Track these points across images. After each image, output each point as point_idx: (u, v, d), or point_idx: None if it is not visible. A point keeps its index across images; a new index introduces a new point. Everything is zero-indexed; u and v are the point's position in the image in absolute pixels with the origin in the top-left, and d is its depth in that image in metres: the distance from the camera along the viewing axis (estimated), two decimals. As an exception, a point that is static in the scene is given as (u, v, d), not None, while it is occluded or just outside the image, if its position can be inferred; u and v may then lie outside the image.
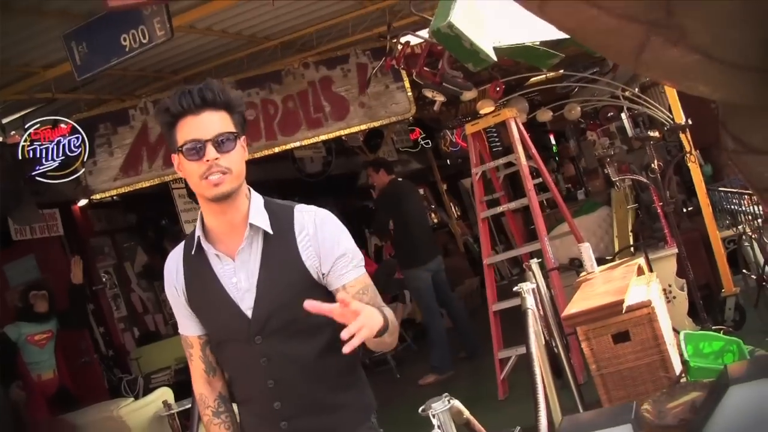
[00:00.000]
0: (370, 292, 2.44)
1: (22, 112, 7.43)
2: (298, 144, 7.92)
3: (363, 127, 8.03)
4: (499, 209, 7.33)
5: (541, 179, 7.33)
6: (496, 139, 13.69)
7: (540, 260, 5.48)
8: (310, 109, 7.78)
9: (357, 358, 2.55)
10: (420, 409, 2.99)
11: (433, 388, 8.07)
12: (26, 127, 7.23)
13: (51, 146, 7.14)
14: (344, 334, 2.09)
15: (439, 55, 6.38)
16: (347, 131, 7.99)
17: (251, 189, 2.44)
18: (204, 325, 2.47)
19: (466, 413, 3.18)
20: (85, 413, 6.16)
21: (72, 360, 8.50)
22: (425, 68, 6.57)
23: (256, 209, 2.38)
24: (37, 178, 7.12)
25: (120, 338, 10.07)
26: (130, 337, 10.33)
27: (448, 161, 15.94)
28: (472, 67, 5.31)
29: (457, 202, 17.24)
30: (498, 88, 6.51)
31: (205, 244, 2.38)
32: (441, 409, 3.00)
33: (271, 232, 2.36)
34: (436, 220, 16.65)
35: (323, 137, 8.02)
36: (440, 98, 6.88)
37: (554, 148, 18.57)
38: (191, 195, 8.57)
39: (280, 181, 12.76)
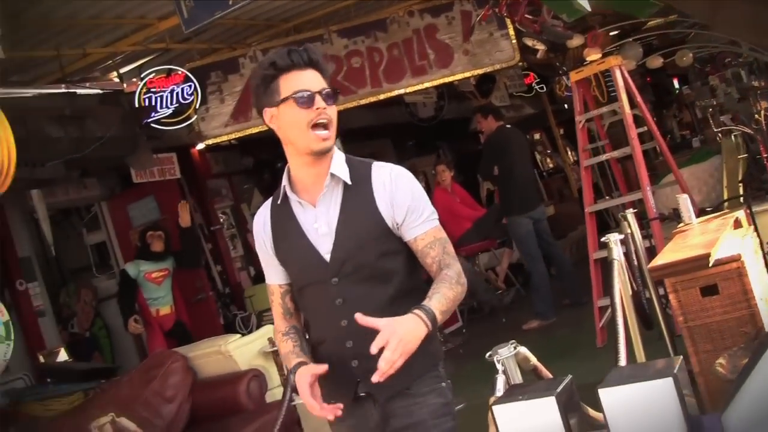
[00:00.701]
0: (437, 246, 2.61)
1: (139, 62, 7.76)
2: (402, 91, 8.03)
3: (467, 74, 8.06)
4: (602, 158, 7.30)
5: (646, 127, 7.26)
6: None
7: (636, 210, 5.46)
8: (415, 57, 7.87)
9: None
10: (486, 354, 3.11)
11: (536, 333, 8.18)
12: (142, 76, 7.59)
13: (165, 94, 7.49)
14: (381, 365, 2.29)
15: (540, 3, 6.36)
16: (451, 78, 8.04)
17: (335, 147, 2.62)
18: (288, 271, 2.70)
19: (533, 360, 3.27)
20: (196, 347, 6.52)
21: (189, 297, 8.96)
22: (527, 16, 6.56)
23: (338, 162, 2.59)
24: (152, 125, 7.50)
25: (236, 276, 10.50)
26: (246, 275, 10.75)
27: (564, 105, 15.71)
28: (566, 17, 5.32)
29: (573, 148, 16.99)
30: (600, 37, 6.44)
31: (290, 194, 2.60)
32: (506, 355, 3.12)
33: (350, 182, 2.58)
34: (551, 165, 16.51)
35: (427, 84, 8.11)
36: (541, 47, 6.90)
37: (675, 92, 18.01)
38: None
39: (393, 126, 12.91)
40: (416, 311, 2.41)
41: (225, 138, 8.00)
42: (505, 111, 12.89)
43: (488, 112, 8.82)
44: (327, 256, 2.57)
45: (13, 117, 6.02)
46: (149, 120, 7.44)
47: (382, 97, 7.99)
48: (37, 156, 6.30)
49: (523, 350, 3.22)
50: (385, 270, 2.59)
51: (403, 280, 2.62)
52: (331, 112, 2.52)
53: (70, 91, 7.00)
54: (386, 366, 2.30)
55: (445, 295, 2.50)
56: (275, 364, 6.19)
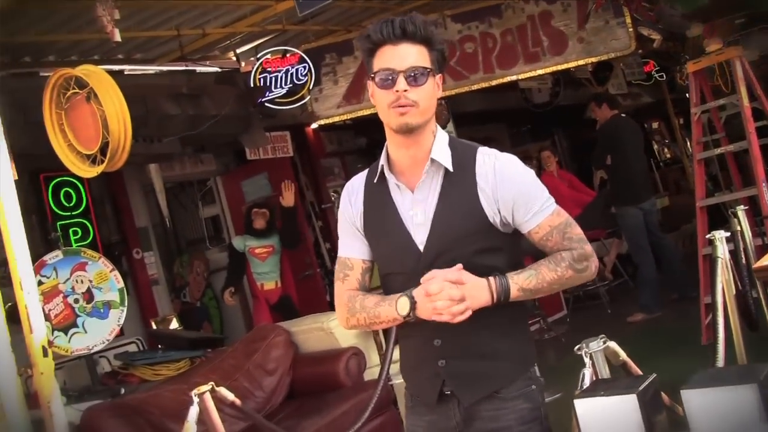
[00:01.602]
0: (555, 235, 2.42)
1: (255, 43, 7.93)
2: (514, 78, 7.99)
3: (581, 62, 7.95)
4: (716, 151, 7.11)
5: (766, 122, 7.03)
6: (734, 77, 12.97)
7: (746, 207, 5.32)
8: (528, 43, 7.81)
9: (524, 310, 2.55)
10: (576, 347, 3.11)
11: (640, 327, 8.07)
12: (258, 56, 7.77)
13: (280, 74, 7.65)
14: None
15: (657, -9, 6.24)
16: (564, 66, 7.95)
17: (438, 127, 2.47)
18: (375, 253, 2.54)
19: (623, 355, 3.26)
20: (299, 322, 6.67)
21: (298, 272, 9.16)
22: (643, 4, 6.44)
23: (440, 146, 2.41)
24: (267, 105, 7.68)
25: (375, 255, 10.59)
26: (353, 254, 10.85)
27: (686, 95, 15.26)
28: (683, 7, 5.21)
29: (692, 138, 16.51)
30: (720, 26, 6.25)
31: (388, 174, 2.46)
32: (595, 349, 3.11)
33: (451, 169, 2.40)
34: (668, 156, 16.11)
35: (540, 72, 8.03)
36: (656, 36, 6.75)
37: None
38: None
39: (508, 111, 12.83)
40: (491, 278, 2.33)
41: (337, 119, 8.13)
42: (622, 99, 12.64)
43: (603, 101, 8.69)
44: (420, 246, 2.40)
45: (133, 95, 6.27)
46: (263, 99, 7.62)
47: (494, 83, 7.96)
48: (155, 132, 6.54)
49: (613, 345, 3.21)
50: (482, 267, 2.35)
51: None
52: (417, 94, 2.32)
53: (188, 69, 7.24)
54: (433, 302, 2.26)
55: (540, 273, 2.37)
56: (375, 343, 6.28)
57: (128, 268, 8.84)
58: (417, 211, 2.42)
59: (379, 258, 2.55)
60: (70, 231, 8.28)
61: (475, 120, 12.58)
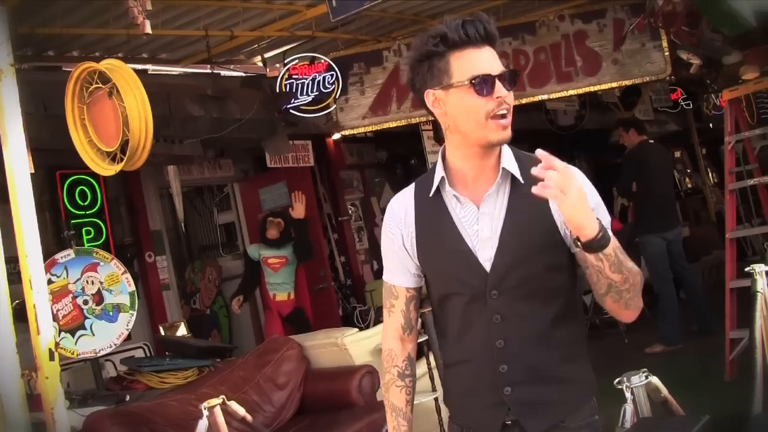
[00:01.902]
0: (619, 254, 2.14)
1: (284, 48, 7.80)
2: (546, 97, 7.80)
3: (614, 84, 7.77)
4: (750, 182, 6.92)
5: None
6: (767, 106, 12.81)
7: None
8: (562, 63, 7.63)
9: (584, 332, 2.40)
10: (616, 381, 2.94)
11: (659, 358, 7.86)
12: (285, 62, 7.64)
13: (306, 81, 7.51)
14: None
15: (699, 15, 6.06)
16: (597, 88, 7.77)
17: None
18: (430, 275, 2.34)
19: (664, 391, 3.09)
20: (313, 336, 6.51)
21: (311, 285, 9.01)
22: (683, 28, 6.28)
23: (508, 155, 2.25)
24: (291, 111, 7.54)
25: (359, 269, 10.48)
26: (369, 269, 10.74)
27: (710, 125, 15.13)
28: (728, 31, 5.04)
29: (715, 169, 16.36)
30: (760, 55, 6.09)
31: (447, 187, 2.26)
32: (637, 383, 2.94)
33: (521, 179, 2.20)
34: (690, 185, 15.94)
35: (572, 92, 7.84)
36: (696, 61, 6.58)
37: None
38: (438, 137, 8.72)
39: (531, 132, 12.64)
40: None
41: (362, 130, 7.97)
42: (648, 126, 12.49)
43: (630, 126, 8.53)
44: (487, 264, 2.20)
45: (157, 94, 6.14)
46: (289, 106, 7.48)
47: (524, 101, 7.77)
48: (177, 133, 6.41)
49: (655, 380, 3.04)
50: (552, 286, 2.21)
51: (567, 300, 2.25)
52: (510, 99, 2.15)
53: (215, 71, 7.11)
54: (544, 174, 1.94)
55: (624, 255, 2.09)
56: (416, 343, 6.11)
57: (140, 271, 8.70)
58: (483, 225, 2.22)
59: (435, 279, 2.34)
60: (83, 230, 8.15)
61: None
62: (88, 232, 8.20)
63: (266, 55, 7.86)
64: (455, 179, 2.27)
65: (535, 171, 1.97)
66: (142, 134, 4.75)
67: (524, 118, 11.71)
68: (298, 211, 7.96)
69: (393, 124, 7.85)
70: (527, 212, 2.20)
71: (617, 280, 2.09)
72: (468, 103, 2.15)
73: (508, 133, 2.17)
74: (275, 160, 8.19)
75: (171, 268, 8.96)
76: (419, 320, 2.45)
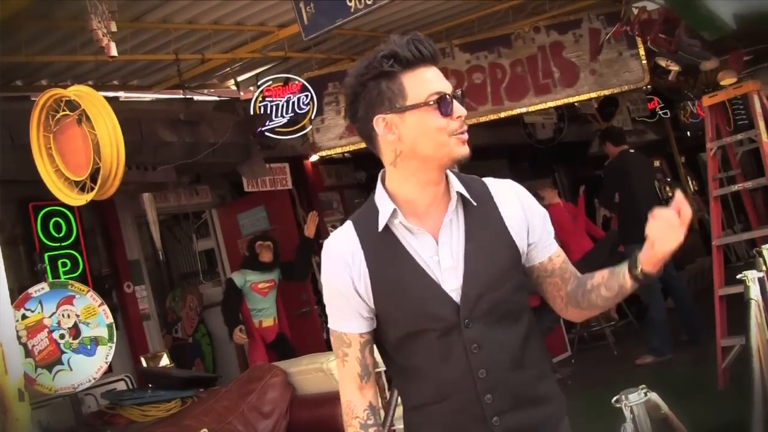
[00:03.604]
0: (568, 262, 2.28)
1: (257, 70, 7.72)
2: (524, 110, 7.74)
3: (593, 95, 7.71)
4: (734, 188, 6.86)
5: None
6: (743, 112, 12.82)
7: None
8: (539, 75, 7.56)
9: (546, 348, 2.33)
10: (613, 399, 2.83)
11: (650, 369, 7.78)
12: (259, 84, 7.54)
13: (281, 103, 7.40)
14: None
15: (676, 22, 6.01)
16: (576, 99, 7.72)
17: None
18: (390, 316, 2.17)
19: (665, 408, 2.97)
20: (297, 362, 6.36)
21: (293, 309, 8.86)
22: (660, 35, 6.23)
23: (454, 179, 2.15)
24: (267, 134, 7.43)
25: (342, 292, 10.33)
26: (353, 292, 10.59)
27: (687, 133, 15.15)
28: (707, 35, 4.97)
29: (695, 177, 16.38)
30: (739, 59, 6.04)
31: (398, 219, 2.12)
32: (636, 401, 2.82)
33: (474, 202, 2.14)
34: (670, 194, 15.93)
35: (551, 104, 7.78)
36: (675, 68, 6.51)
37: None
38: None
39: (509, 146, 12.62)
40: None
41: (339, 150, 7.85)
42: (627, 136, 12.47)
43: (606, 138, 8.52)
44: (454, 294, 2.09)
45: (128, 120, 6.01)
46: (264, 128, 7.37)
47: (503, 115, 7.71)
48: (150, 159, 6.27)
49: (654, 397, 2.91)
50: (518, 306, 2.17)
51: (529, 318, 2.21)
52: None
53: (187, 96, 6.99)
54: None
55: None
56: (377, 387, 5.98)
57: (118, 302, 8.53)
58: (443, 255, 2.11)
59: (397, 319, 2.16)
60: (59, 262, 7.98)
61: (476, 155, 12.30)
62: (64, 264, 8.02)
63: (240, 78, 7.76)
64: (405, 210, 2.13)
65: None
66: (114, 161, 4.63)
67: (501, 133, 11.65)
68: (311, 229, 8.00)
69: (370, 144, 7.72)
70: (486, 235, 2.15)
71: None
72: (430, 124, 2.04)
73: (467, 148, 2.08)
74: (252, 184, 8.06)
75: (151, 298, 8.79)
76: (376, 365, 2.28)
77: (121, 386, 7.23)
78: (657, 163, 16.06)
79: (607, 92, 7.69)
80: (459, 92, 2.09)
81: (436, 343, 2.11)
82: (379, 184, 2.19)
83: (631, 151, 8.39)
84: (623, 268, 2.14)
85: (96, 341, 5.97)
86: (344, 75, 6.64)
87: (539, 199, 8.55)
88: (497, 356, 2.11)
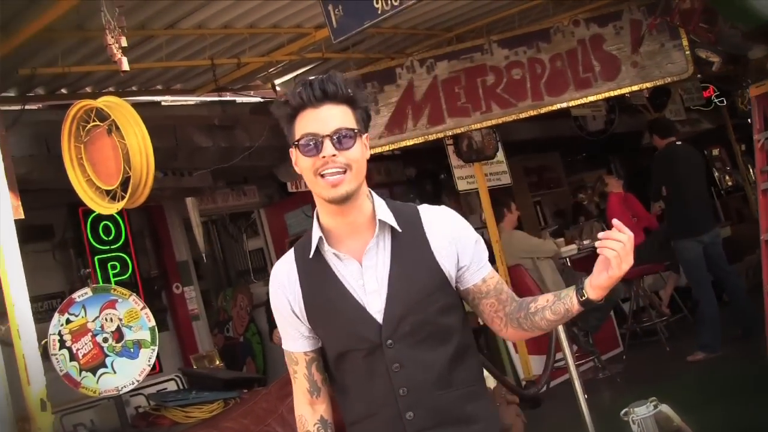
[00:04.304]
0: (505, 284, 2.39)
1: (295, 73, 7.71)
2: (564, 105, 7.59)
3: (635, 88, 7.53)
4: (783, 180, 6.68)
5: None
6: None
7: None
8: (579, 69, 7.41)
9: (481, 369, 2.45)
10: (622, 412, 2.79)
11: (701, 366, 7.62)
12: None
13: (319, 105, 7.39)
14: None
15: (716, 11, 5.87)
16: (617, 92, 7.53)
17: (372, 191, 2.34)
18: (323, 336, 2.34)
19: (677, 420, 2.90)
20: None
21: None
22: (701, 25, 6.09)
23: (382, 208, 2.29)
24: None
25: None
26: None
27: (748, 120, 14.76)
28: (742, 26, 4.85)
29: (755, 165, 15.98)
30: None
31: (326, 246, 2.28)
32: (643, 414, 2.77)
33: (399, 229, 2.27)
34: (730, 184, 15.60)
35: (591, 98, 7.62)
36: (715, 59, 6.37)
37: None
38: (459, 152, 8.57)
39: (562, 139, 12.50)
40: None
41: (379, 150, 7.80)
42: (680, 126, 12.21)
43: (652, 130, 8.39)
44: (378, 316, 2.23)
45: (163, 126, 6.11)
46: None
47: (543, 110, 7.58)
48: (185, 165, 6.35)
49: (666, 409, 2.85)
50: (445, 327, 2.28)
51: (461, 338, 2.31)
52: (346, 157, 2.17)
53: (223, 99, 7.03)
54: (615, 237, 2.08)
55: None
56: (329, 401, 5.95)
57: (168, 303, 8.68)
58: (368, 279, 2.26)
59: (329, 339, 2.34)
60: (109, 265, 8.15)
61: (527, 148, 12.27)
62: (113, 267, 8.20)
63: (280, 80, 7.77)
64: (331, 238, 2.30)
65: (602, 235, 2.11)
66: (144, 170, 4.71)
67: (552, 125, 11.55)
68: None
69: (410, 142, 7.68)
70: (411, 260, 2.27)
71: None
72: (301, 163, 2.24)
73: (339, 191, 2.18)
74: (295, 185, 8.11)
75: (199, 299, 8.93)
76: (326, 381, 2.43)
77: (171, 386, 7.36)
78: (716, 152, 15.76)
79: (649, 85, 7.50)
80: (340, 133, 2.17)
81: (363, 362, 2.26)
82: (315, 213, 2.35)
83: (678, 143, 8.20)
84: (570, 293, 2.22)
85: (139, 344, 6.07)
86: (382, 74, 6.64)
87: (603, 185, 8.45)
88: (419, 375, 2.22)
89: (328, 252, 2.28)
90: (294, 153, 2.26)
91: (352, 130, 2.21)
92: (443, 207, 2.39)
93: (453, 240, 2.30)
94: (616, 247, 2.07)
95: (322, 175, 2.18)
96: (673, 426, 2.83)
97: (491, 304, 2.34)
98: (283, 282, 2.35)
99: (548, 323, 2.27)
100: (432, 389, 2.23)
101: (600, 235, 2.12)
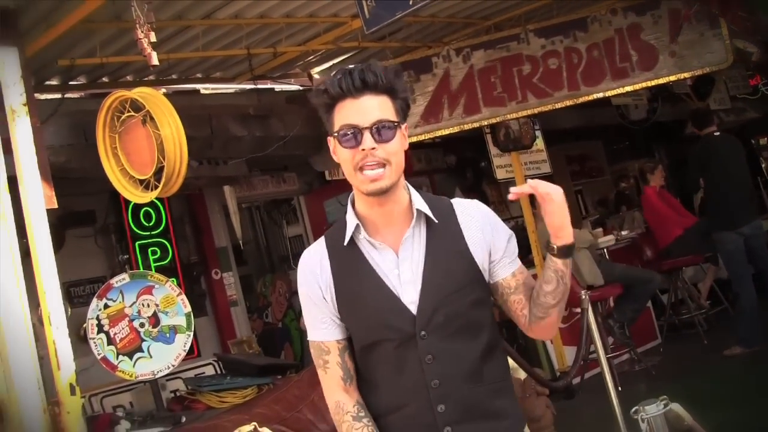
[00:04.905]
0: (533, 280, 2.38)
1: (332, 62, 7.74)
2: (601, 95, 7.51)
3: (672, 78, 7.41)
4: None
5: None
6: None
7: None
8: (616, 59, 7.33)
9: (508, 365, 2.44)
10: (632, 410, 2.80)
11: (738, 361, 7.53)
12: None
13: (354, 94, 7.43)
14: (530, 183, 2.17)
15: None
16: (655, 82, 7.43)
17: (407, 183, 2.33)
18: (354, 325, 2.31)
19: (689, 419, 2.89)
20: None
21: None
22: (740, 13, 6.00)
23: (418, 199, 2.29)
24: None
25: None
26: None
27: (800, 108, 14.50)
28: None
29: (803, 155, 15.67)
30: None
31: (363, 234, 2.27)
32: (653, 413, 2.77)
33: (436, 220, 2.27)
34: (774, 174, 15.34)
35: (629, 88, 7.53)
36: (753, 49, 6.28)
37: None
38: (497, 142, 8.55)
39: (604, 127, 12.40)
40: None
41: (415, 139, 7.80)
42: (725, 115, 12.05)
43: (692, 121, 8.30)
44: (412, 307, 2.22)
45: (199, 116, 6.18)
46: (335, 119, 7.40)
47: (579, 101, 7.51)
48: (220, 154, 6.43)
49: (677, 407, 2.84)
50: (477, 321, 2.28)
51: (491, 333, 2.32)
52: (386, 150, 2.16)
53: (259, 87, 7.09)
54: (534, 185, 2.17)
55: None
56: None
57: (207, 289, 8.81)
58: (403, 269, 2.25)
59: (358, 329, 2.31)
60: (149, 251, 8.30)
61: (569, 137, 12.20)
62: (154, 252, 8.35)
63: (318, 69, 7.81)
64: (368, 226, 2.28)
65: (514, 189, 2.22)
66: (177, 160, 4.79)
67: (594, 114, 11.46)
68: None
69: (446, 132, 7.68)
70: (446, 251, 2.27)
71: (562, 295, 2.26)
72: (340, 154, 2.23)
73: (378, 185, 2.17)
74: (334, 173, 8.16)
75: (238, 284, 9.04)
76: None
77: (209, 370, 7.47)
78: (763, 141, 15.48)
79: (687, 75, 7.38)
80: (380, 125, 2.16)
81: (393, 353, 2.24)
82: (349, 201, 2.34)
83: (716, 134, 8.08)
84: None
85: (175, 330, 6.18)
86: (419, 63, 6.63)
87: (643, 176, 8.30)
88: (451, 368, 2.22)
89: (363, 240, 2.28)
90: (332, 142, 2.25)
91: (393, 122, 2.19)
92: (476, 201, 2.41)
93: (486, 233, 2.30)
94: (533, 184, 2.17)
95: (362, 169, 2.17)
96: (684, 425, 2.82)
97: (519, 300, 2.34)
98: (315, 270, 2.33)
99: (552, 296, 2.26)
100: (463, 383, 2.23)
101: (513, 190, 2.24)
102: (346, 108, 2.18)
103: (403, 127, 2.25)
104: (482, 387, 2.26)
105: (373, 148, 2.15)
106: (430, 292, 2.22)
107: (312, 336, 2.37)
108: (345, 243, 2.28)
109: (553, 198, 2.16)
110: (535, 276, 2.39)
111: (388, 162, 2.17)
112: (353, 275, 2.28)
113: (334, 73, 2.23)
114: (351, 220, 2.28)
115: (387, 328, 2.25)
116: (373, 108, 2.17)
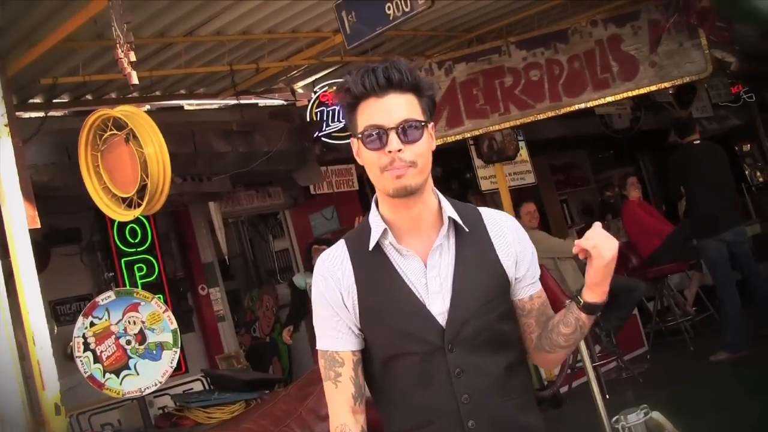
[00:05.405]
0: (549, 307, 2.30)
1: (315, 76, 7.80)
2: (583, 106, 7.57)
3: (653, 87, 7.46)
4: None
5: None
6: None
7: None
8: (597, 70, 7.39)
9: (531, 378, 2.38)
10: (613, 419, 2.81)
11: (724, 367, 7.56)
12: (315, 90, 7.62)
13: (337, 108, 7.49)
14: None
15: (730, 11, 5.85)
16: (635, 92, 7.49)
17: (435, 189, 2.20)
18: (373, 336, 2.16)
19: (669, 427, 2.91)
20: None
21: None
22: (718, 24, 6.07)
23: (447, 204, 2.16)
24: (323, 139, 7.51)
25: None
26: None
27: (779, 115, 14.62)
28: (751, 28, 4.83)
29: (787, 161, 15.81)
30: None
31: (389, 238, 2.13)
32: (634, 422, 2.79)
33: (467, 228, 2.15)
34: (761, 179, 15.44)
35: (609, 99, 7.59)
36: (731, 59, 6.34)
37: None
38: (480, 154, 8.59)
39: (588, 137, 12.46)
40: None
41: (398, 152, 7.87)
42: (707, 123, 12.15)
43: (673, 129, 8.37)
44: (440, 318, 2.09)
45: (182, 133, 6.19)
46: (320, 134, 7.46)
47: (561, 112, 7.57)
48: (204, 170, 6.44)
49: (657, 416, 2.86)
50: (502, 334, 2.16)
51: (518, 348, 2.24)
52: (413, 152, 2.02)
53: (242, 103, 7.12)
54: (593, 245, 2.05)
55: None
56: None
57: (194, 304, 8.80)
58: (431, 278, 2.11)
59: (381, 339, 2.16)
60: (135, 267, 8.29)
61: (553, 146, 12.26)
62: (140, 269, 8.34)
63: (301, 84, 7.86)
64: (395, 231, 2.15)
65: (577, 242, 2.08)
66: (161, 177, 4.80)
67: (578, 124, 11.52)
68: None
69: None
70: (475, 262, 2.15)
71: (584, 335, 2.20)
72: (365, 156, 2.10)
73: (402, 182, 2.04)
74: (319, 187, 8.19)
75: (225, 300, 9.04)
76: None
77: (197, 386, 7.48)
78: (747, 148, 15.60)
79: (667, 84, 7.44)
80: (406, 125, 2.04)
81: (419, 366, 2.11)
82: (373, 205, 2.21)
83: (696, 142, 8.14)
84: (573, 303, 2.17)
85: (161, 346, 6.19)
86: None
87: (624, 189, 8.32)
88: (480, 382, 2.10)
89: (390, 246, 2.15)
90: (356, 144, 2.13)
91: (419, 121, 2.07)
92: (505, 212, 2.30)
93: (516, 247, 2.20)
94: (590, 236, 2.05)
95: (387, 170, 2.05)
96: (665, 433, 2.83)
97: (529, 324, 2.26)
98: (336, 275, 2.17)
99: (565, 338, 2.19)
100: (491, 397, 2.12)
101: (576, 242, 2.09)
102: (369, 107, 2.07)
103: (429, 126, 2.11)
104: (510, 401, 2.15)
105: (400, 150, 2.02)
106: (460, 304, 2.10)
107: (324, 344, 2.20)
108: (370, 247, 2.14)
109: (603, 254, 2.04)
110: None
111: (414, 164, 2.04)
112: (378, 282, 2.14)
113: (357, 70, 2.10)
114: (377, 224, 2.15)
115: (413, 339, 2.11)
116: (398, 107, 2.06)
